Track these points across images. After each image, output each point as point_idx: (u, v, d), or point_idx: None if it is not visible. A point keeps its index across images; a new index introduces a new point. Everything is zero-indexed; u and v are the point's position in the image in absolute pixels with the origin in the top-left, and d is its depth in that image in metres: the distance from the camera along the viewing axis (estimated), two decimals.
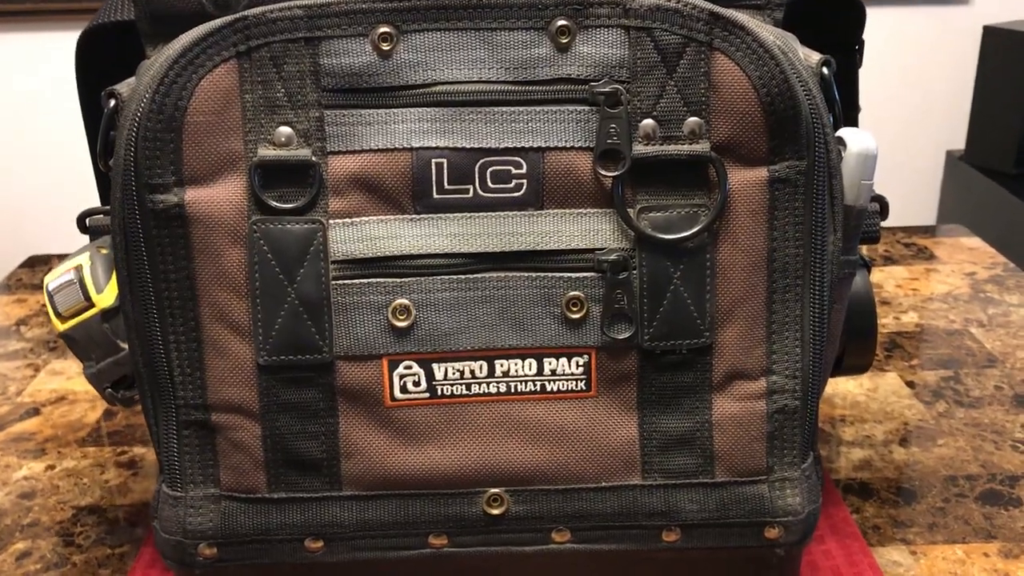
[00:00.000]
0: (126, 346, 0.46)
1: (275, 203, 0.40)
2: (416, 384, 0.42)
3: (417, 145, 0.40)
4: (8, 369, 0.77)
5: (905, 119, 1.80)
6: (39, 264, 0.99)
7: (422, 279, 0.41)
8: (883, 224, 0.69)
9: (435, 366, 0.42)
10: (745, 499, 0.43)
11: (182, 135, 0.39)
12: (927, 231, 1.00)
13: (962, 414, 0.66)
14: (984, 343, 0.75)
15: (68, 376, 0.75)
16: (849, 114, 0.52)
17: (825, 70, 0.42)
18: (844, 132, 0.44)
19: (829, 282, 0.43)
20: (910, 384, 0.70)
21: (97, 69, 0.48)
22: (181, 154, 0.39)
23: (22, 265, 0.99)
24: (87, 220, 0.49)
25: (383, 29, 0.40)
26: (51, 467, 0.63)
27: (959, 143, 1.81)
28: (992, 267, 0.90)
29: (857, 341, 0.49)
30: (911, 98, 1.79)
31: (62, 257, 1.01)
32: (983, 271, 0.89)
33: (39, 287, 0.93)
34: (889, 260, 0.92)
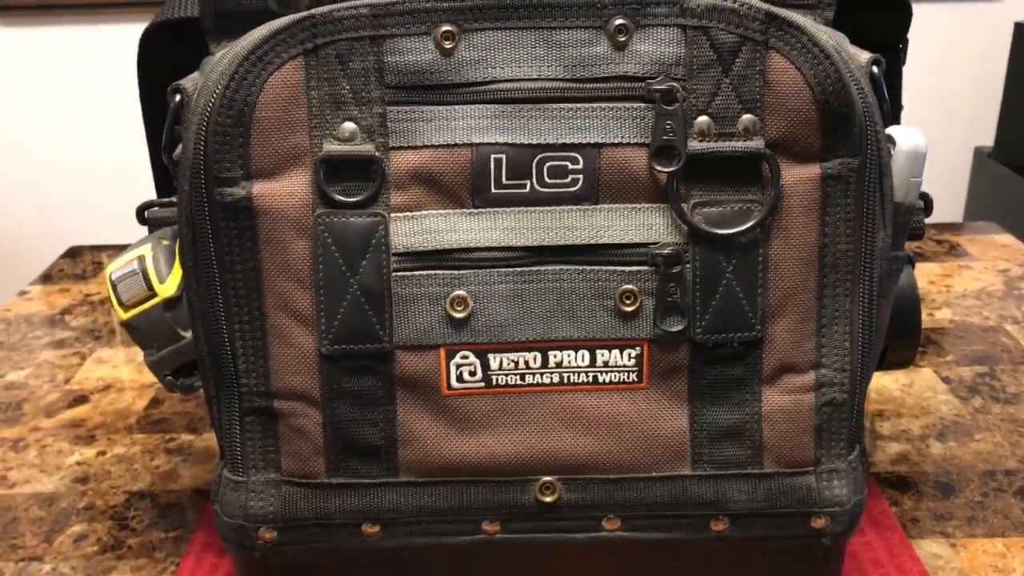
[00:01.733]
0: (187, 335, 0.48)
1: (339, 197, 0.41)
2: (472, 374, 0.43)
3: (477, 141, 0.41)
4: (55, 357, 0.79)
5: (934, 116, 1.80)
6: (79, 255, 1.01)
7: (479, 271, 0.42)
8: None
9: (491, 356, 0.43)
10: (793, 490, 0.44)
11: (251, 130, 0.40)
12: (958, 228, 1.00)
13: (998, 410, 0.66)
14: (1020, 340, 0.76)
15: (114, 364, 0.77)
16: (894, 112, 0.52)
17: (875, 69, 0.43)
18: (894, 130, 0.44)
19: (878, 278, 0.43)
20: (945, 380, 0.70)
21: (159, 65, 0.50)
22: (249, 148, 0.41)
23: (63, 255, 1.01)
24: (146, 212, 0.50)
25: (445, 28, 0.41)
26: (102, 453, 0.65)
27: (988, 140, 1.81)
28: None
29: (901, 337, 0.50)
30: (940, 95, 1.79)
31: (101, 249, 1.03)
32: (1016, 268, 0.89)
33: (80, 277, 0.95)
34: (921, 256, 0.93)
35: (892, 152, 0.44)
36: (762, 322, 0.43)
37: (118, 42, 1.25)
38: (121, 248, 1.01)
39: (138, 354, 0.79)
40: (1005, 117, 1.66)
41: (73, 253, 1.02)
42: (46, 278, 0.95)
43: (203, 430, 0.67)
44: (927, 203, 0.49)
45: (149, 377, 0.75)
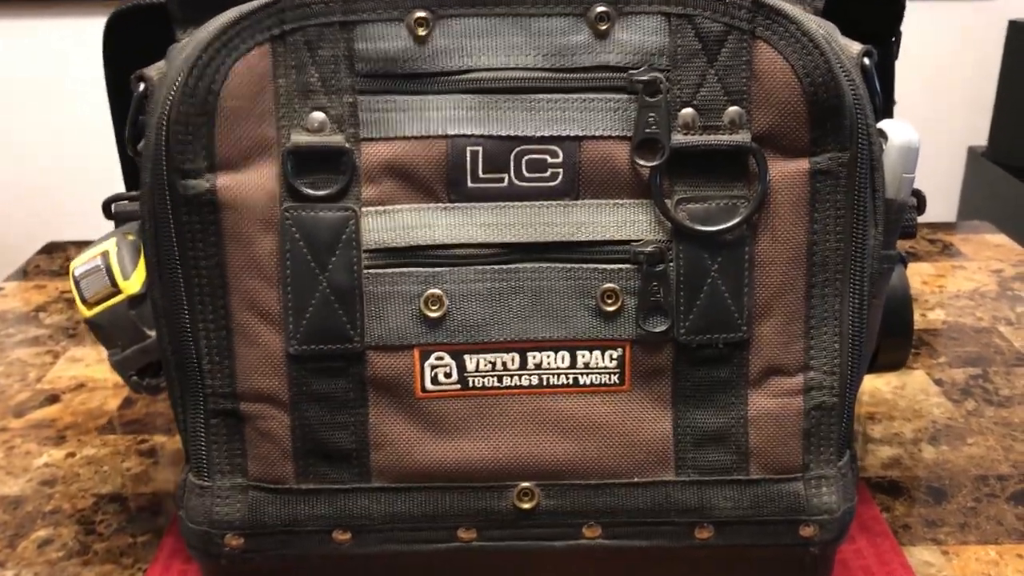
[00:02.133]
0: (153, 333, 0.46)
1: (308, 190, 0.40)
2: (447, 375, 0.42)
3: (452, 133, 0.40)
4: (27, 356, 0.77)
5: (927, 114, 1.79)
6: (56, 251, 0.99)
7: (455, 269, 0.41)
8: None
9: (467, 357, 0.41)
10: (780, 496, 0.43)
11: (215, 119, 0.39)
12: (951, 227, 0.99)
13: (992, 413, 0.65)
14: (1013, 341, 0.74)
15: (87, 363, 0.75)
16: (886, 106, 0.51)
17: (867, 60, 0.41)
18: (886, 124, 0.43)
19: (869, 277, 0.42)
20: (938, 382, 0.69)
21: (125, 53, 0.48)
22: (214, 139, 0.39)
23: (40, 252, 0.99)
24: (112, 206, 0.48)
25: (419, 14, 0.39)
26: (71, 455, 0.63)
27: (981, 139, 1.80)
28: (1018, 264, 0.89)
29: (893, 338, 0.48)
30: (933, 93, 1.78)
31: (79, 244, 1.01)
32: (1010, 268, 0.88)
33: (57, 274, 0.93)
34: (914, 256, 0.91)
35: (884, 147, 0.42)
36: (748, 323, 0.41)
37: (92, 34, 1.23)
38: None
39: None
40: (999, 116, 1.65)
41: (50, 249, 1.00)
42: (22, 274, 0.93)
43: (175, 431, 0.65)
44: (920, 201, 0.47)
45: None
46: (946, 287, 0.85)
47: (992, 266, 0.89)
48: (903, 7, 0.50)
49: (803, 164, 0.40)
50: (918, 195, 0.47)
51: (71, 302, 0.87)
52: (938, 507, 0.55)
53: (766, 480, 0.43)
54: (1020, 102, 1.59)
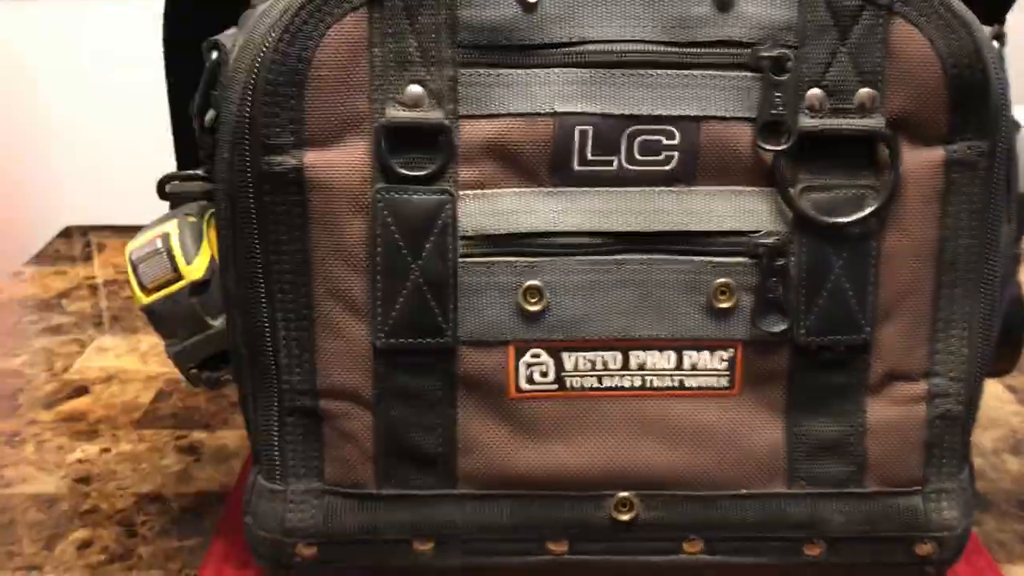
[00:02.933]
0: (216, 323, 0.42)
1: (402, 170, 0.36)
2: (544, 375, 0.38)
3: (561, 110, 0.36)
4: (53, 344, 0.73)
5: None
6: (76, 235, 0.95)
7: (557, 259, 0.37)
8: None
9: (565, 355, 0.38)
10: (897, 512, 0.40)
11: (305, 90, 0.35)
12: None
13: None
14: None
15: (117, 353, 0.72)
16: None
17: (997, 44, 0.38)
18: (1019, 112, 0.40)
19: (1001, 278, 0.39)
20: (1011, 389, 0.66)
21: (188, 21, 0.44)
22: (303, 112, 0.35)
23: (58, 236, 0.95)
24: (167, 186, 0.45)
25: None
26: (106, 450, 0.59)
27: None
28: None
29: (1004, 343, 0.45)
30: None
31: (99, 229, 0.98)
32: None
33: (77, 259, 0.89)
34: None
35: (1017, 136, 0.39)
36: (871, 324, 0.38)
37: (109, 14, 1.19)
38: (123, 230, 0.95)
39: (142, 342, 0.73)
40: None
41: (69, 233, 0.96)
42: (41, 259, 0.89)
43: (216, 427, 0.62)
44: None
45: (155, 368, 0.69)
46: None
47: None
48: None
49: (938, 153, 0.37)
50: None
51: (95, 289, 0.83)
52: None
53: (883, 494, 0.40)
54: None
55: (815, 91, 0.37)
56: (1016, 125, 0.40)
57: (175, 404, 0.65)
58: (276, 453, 0.39)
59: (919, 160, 0.37)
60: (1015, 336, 0.46)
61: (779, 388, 0.39)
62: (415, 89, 0.36)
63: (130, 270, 0.43)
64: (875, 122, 0.37)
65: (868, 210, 0.37)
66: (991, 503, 0.54)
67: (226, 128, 0.37)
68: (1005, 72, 0.38)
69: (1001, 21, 0.48)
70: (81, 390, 0.66)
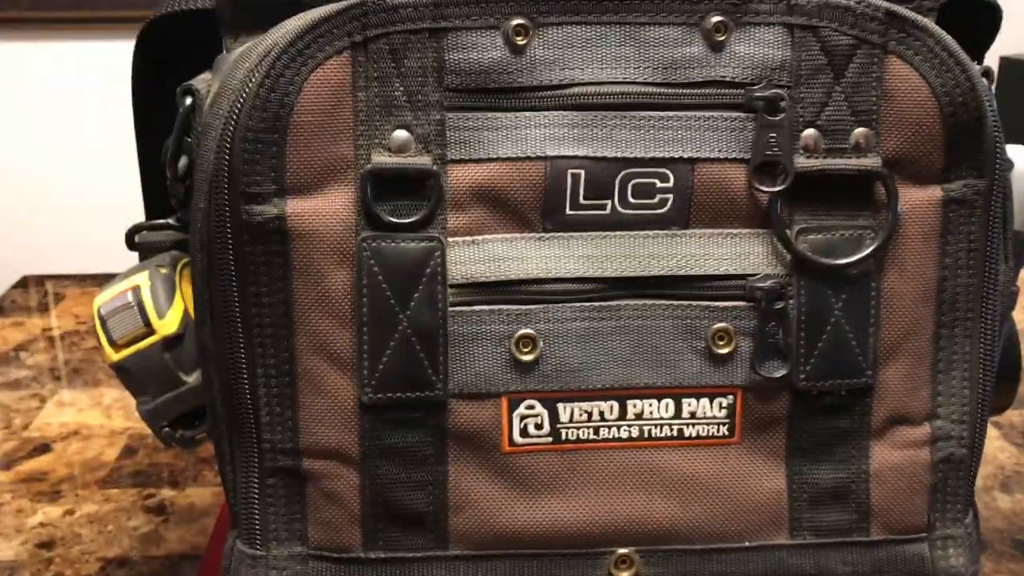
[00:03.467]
0: (189, 380, 0.40)
1: (388, 217, 0.35)
2: (538, 427, 0.37)
3: (552, 154, 0.35)
4: (11, 400, 0.70)
5: None
6: (33, 285, 0.92)
7: (550, 307, 0.36)
8: None
9: (560, 406, 0.37)
10: (904, 560, 0.38)
11: (287, 137, 0.34)
12: None
13: None
14: None
15: (79, 408, 0.69)
16: None
17: (985, 80, 0.38)
18: (1011, 150, 0.40)
19: (1000, 317, 0.38)
20: (996, 425, 0.66)
21: (158, 65, 0.43)
22: (284, 159, 0.34)
23: (15, 286, 0.92)
24: (136, 236, 0.43)
25: (517, 21, 0.35)
26: (70, 512, 0.56)
27: None
28: None
29: (1001, 380, 0.44)
30: None
31: (58, 279, 0.95)
32: None
33: (34, 309, 0.86)
34: None
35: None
36: (873, 367, 0.37)
37: (73, 56, 1.17)
38: (82, 278, 0.93)
39: (105, 395, 0.71)
40: None
41: (26, 283, 0.93)
42: None
43: (186, 484, 0.59)
44: None
45: (119, 422, 0.67)
46: None
47: None
48: (998, 27, 0.47)
49: (935, 192, 0.37)
50: None
51: (54, 341, 0.80)
52: None
53: (888, 542, 0.38)
54: (1014, 138, 1.59)
55: (810, 131, 0.36)
56: (1010, 163, 0.39)
57: (141, 461, 0.62)
58: (256, 516, 0.37)
59: (916, 199, 0.37)
60: (1012, 373, 0.45)
61: (780, 435, 0.38)
62: (401, 134, 0.35)
63: (98, 325, 0.41)
64: (871, 162, 0.36)
65: (867, 251, 0.36)
66: (985, 543, 0.53)
67: (202, 176, 0.35)
68: (997, 110, 0.38)
69: (982, 59, 0.49)
70: (42, 448, 0.64)
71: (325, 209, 0.35)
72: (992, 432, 0.65)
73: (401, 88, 0.35)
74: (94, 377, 0.74)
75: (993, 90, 0.38)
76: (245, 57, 0.35)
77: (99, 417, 0.67)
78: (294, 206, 0.34)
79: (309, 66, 0.34)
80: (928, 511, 0.38)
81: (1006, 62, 1.57)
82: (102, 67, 1.14)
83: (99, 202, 1.06)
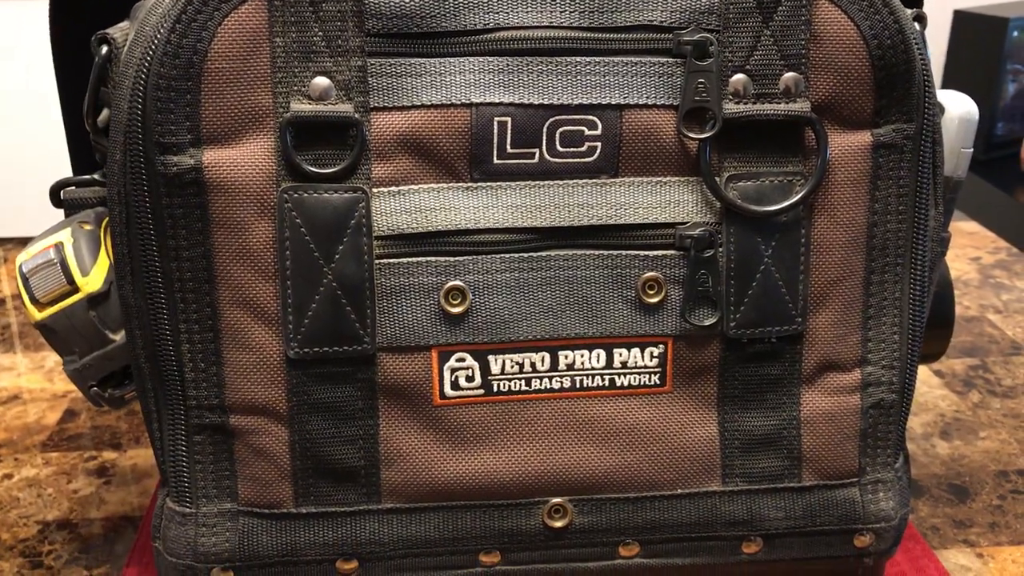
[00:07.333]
0: (116, 337, 0.40)
1: (310, 167, 0.34)
2: (469, 379, 0.37)
3: (477, 100, 0.34)
4: None
5: None
6: None
7: (479, 258, 0.36)
8: None
9: (491, 358, 0.37)
10: (834, 504, 0.39)
11: (201, 84, 0.33)
12: None
13: (998, 404, 0.62)
14: (1005, 330, 0.72)
15: (18, 372, 0.68)
16: None
17: (917, 25, 0.38)
18: (942, 95, 0.39)
19: (930, 262, 0.38)
20: (938, 374, 0.66)
21: (77, 16, 0.42)
22: (199, 107, 0.33)
23: None
24: (61, 192, 0.42)
25: None
26: (8, 476, 0.56)
27: None
28: (996, 252, 0.87)
29: (933, 326, 0.45)
30: None
31: (0, 242, 0.93)
32: (988, 256, 0.86)
33: None
34: None
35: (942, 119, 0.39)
36: (803, 314, 0.37)
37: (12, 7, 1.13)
38: (28, 241, 0.91)
39: (47, 359, 0.69)
40: None
41: None
42: None
43: (128, 446, 0.58)
44: None
45: (60, 386, 0.66)
46: None
47: (969, 254, 0.87)
48: None
49: (865, 137, 0.36)
50: None
51: None
52: (963, 506, 0.53)
53: (820, 487, 0.39)
54: (965, 91, 1.60)
55: (739, 76, 0.35)
56: (940, 108, 0.39)
57: (83, 424, 0.61)
58: (185, 473, 0.37)
59: (845, 144, 0.36)
60: (944, 320, 0.45)
61: (711, 383, 0.38)
62: (321, 81, 0.34)
63: (21, 283, 0.40)
64: (801, 107, 0.36)
65: (796, 197, 0.36)
66: (923, 488, 0.54)
67: (117, 127, 0.34)
68: (928, 54, 0.38)
69: (920, 3, 0.48)
70: None
71: (243, 159, 0.34)
72: (933, 380, 0.66)
73: (320, 33, 0.34)
74: (36, 341, 0.72)
75: (925, 35, 0.38)
76: (158, 3, 0.34)
77: (40, 381, 0.66)
78: (211, 156, 0.33)
79: (222, 11, 0.33)
80: (859, 456, 0.39)
81: (960, 15, 1.57)
82: (34, 18, 1.11)
83: (43, 161, 1.03)
